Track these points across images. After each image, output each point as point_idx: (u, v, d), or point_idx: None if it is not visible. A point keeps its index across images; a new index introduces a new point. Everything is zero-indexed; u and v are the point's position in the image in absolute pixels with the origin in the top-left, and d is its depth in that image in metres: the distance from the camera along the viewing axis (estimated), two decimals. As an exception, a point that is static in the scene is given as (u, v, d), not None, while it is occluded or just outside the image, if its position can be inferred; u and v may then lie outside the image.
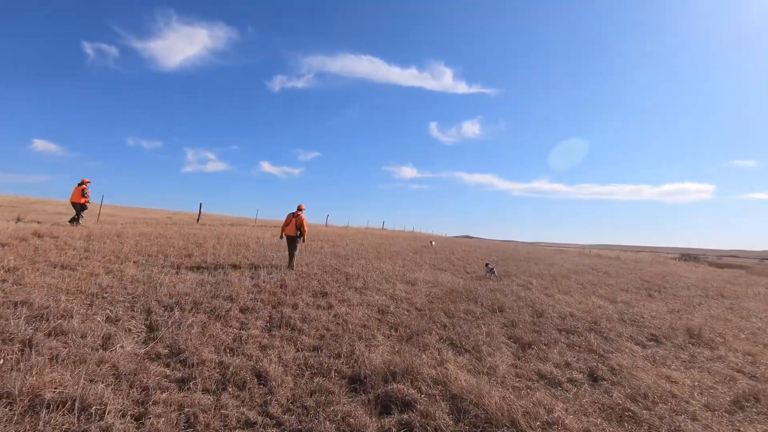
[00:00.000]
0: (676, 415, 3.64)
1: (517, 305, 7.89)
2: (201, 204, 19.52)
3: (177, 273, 7.83)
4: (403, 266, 12.57)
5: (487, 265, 13.43)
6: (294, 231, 9.75)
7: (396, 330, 5.69)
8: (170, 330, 4.72)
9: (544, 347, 5.36)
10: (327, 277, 9.04)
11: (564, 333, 6.18)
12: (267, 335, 5.03)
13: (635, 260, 31.47)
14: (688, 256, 38.86)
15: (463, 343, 5.27)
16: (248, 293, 6.89)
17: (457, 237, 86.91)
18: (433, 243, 23.95)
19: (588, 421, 3.40)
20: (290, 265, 9.65)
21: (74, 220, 13.14)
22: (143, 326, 4.86)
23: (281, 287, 7.65)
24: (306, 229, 9.86)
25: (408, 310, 6.88)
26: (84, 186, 13.45)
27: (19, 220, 12.89)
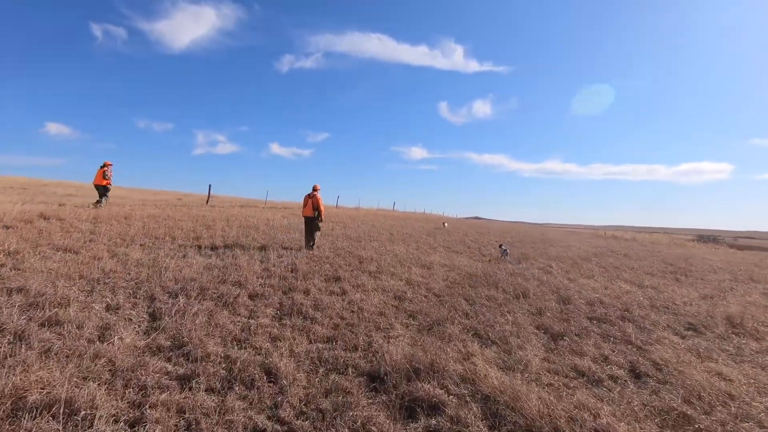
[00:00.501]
0: (740, 421, 3.20)
1: (541, 291, 7.45)
2: (210, 185, 19.25)
3: (184, 257, 7.53)
4: (417, 249, 12.16)
5: (500, 246, 13.11)
6: (311, 212, 9.72)
7: (415, 318, 5.30)
8: (174, 319, 4.40)
9: (576, 338, 4.93)
10: (339, 261, 8.68)
11: (595, 322, 5.73)
12: (277, 324, 4.68)
13: (652, 242, 30.65)
14: (707, 238, 37.77)
15: (489, 333, 4.86)
16: (258, 278, 6.56)
17: (466, 218, 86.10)
18: (446, 224, 23.48)
19: (642, 429, 2.98)
20: (309, 246, 9.66)
21: (98, 203, 13.21)
22: (145, 315, 4.54)
23: (292, 271, 7.31)
24: (323, 209, 9.82)
25: (426, 296, 6.49)
26: (106, 168, 13.53)
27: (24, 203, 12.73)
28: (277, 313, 5.06)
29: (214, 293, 5.43)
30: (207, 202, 19.54)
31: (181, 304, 4.79)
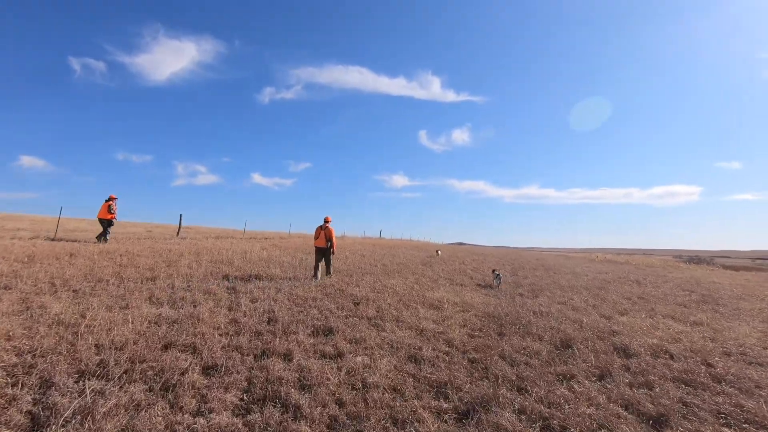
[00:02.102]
0: None
1: (582, 336, 5.93)
2: (181, 216, 17.39)
3: (126, 307, 5.76)
4: (416, 282, 10.57)
5: (494, 271, 12.49)
6: (324, 243, 9.93)
7: (446, 398, 3.67)
8: (66, 430, 2.68)
9: (687, 423, 3.38)
10: (329, 303, 7.01)
11: (684, 387, 4.20)
12: (242, 425, 3.00)
13: (647, 265, 29.78)
14: (698, 259, 37.31)
15: (563, 423, 3.26)
16: (221, 335, 4.85)
17: (450, 244, 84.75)
18: (439, 252, 22.01)
19: None
20: (316, 275, 9.69)
21: (101, 237, 13.10)
22: (20, 420, 2.80)
23: (269, 322, 5.62)
24: (335, 240, 10.10)
25: (448, 354, 4.87)
26: (111, 202, 13.26)
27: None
28: (242, 401, 3.36)
29: (151, 368, 3.71)
30: (177, 233, 17.61)
31: (89, 397, 3.07)
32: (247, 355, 4.34)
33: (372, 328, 5.76)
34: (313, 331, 5.38)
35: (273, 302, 6.70)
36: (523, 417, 3.28)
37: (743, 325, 7.60)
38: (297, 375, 3.89)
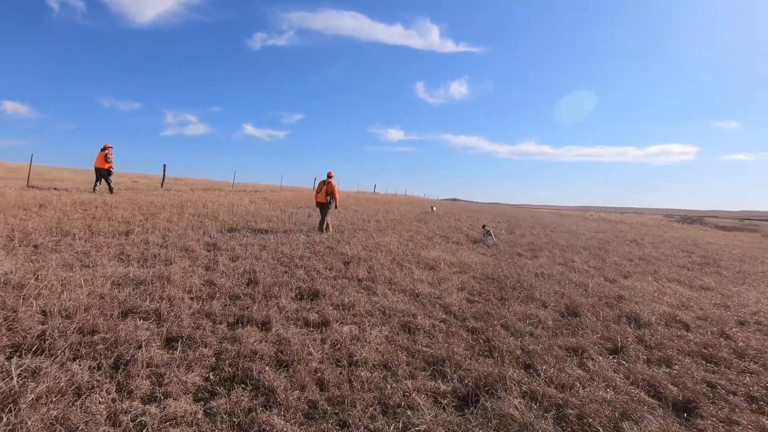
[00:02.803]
0: None
1: (589, 302, 5.52)
2: (165, 166, 16.47)
3: (89, 265, 5.18)
4: (411, 240, 10.09)
5: (483, 227, 12.21)
6: (325, 198, 9.89)
7: (444, 377, 3.21)
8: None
9: (717, 410, 2.95)
10: (317, 263, 6.51)
11: (708, 364, 3.79)
12: (202, 413, 2.52)
13: (642, 224, 29.72)
14: (691, 219, 37.39)
15: (578, 411, 2.82)
16: (192, 300, 4.33)
17: (444, 200, 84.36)
18: (434, 209, 21.51)
19: None
20: (321, 229, 9.76)
21: (96, 188, 13.01)
22: None
23: (249, 284, 5.10)
24: (338, 195, 10.13)
25: (445, 322, 4.42)
26: (107, 151, 12.96)
27: None
28: (206, 382, 2.87)
29: (103, 340, 3.18)
30: (162, 185, 16.80)
31: (15, 380, 2.55)
32: (220, 323, 3.83)
33: (362, 291, 5.27)
34: (297, 295, 4.88)
35: (256, 261, 6.16)
36: (534, 404, 2.83)
37: (751, 291, 7.27)
38: (274, 348, 3.40)
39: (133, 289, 4.46)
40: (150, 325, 3.59)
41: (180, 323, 3.65)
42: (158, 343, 3.28)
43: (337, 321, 4.12)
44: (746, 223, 47.62)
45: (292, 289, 5.03)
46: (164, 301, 4.08)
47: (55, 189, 13.10)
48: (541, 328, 4.43)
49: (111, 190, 13.29)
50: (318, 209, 10.22)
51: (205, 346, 3.31)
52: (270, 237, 8.28)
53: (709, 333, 4.59)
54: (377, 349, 3.55)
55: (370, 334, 3.83)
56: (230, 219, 10.24)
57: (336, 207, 10.18)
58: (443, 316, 4.60)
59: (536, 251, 10.19)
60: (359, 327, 4.01)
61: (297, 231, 9.48)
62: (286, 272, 5.81)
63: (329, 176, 10.12)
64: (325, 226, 9.86)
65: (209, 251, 6.59)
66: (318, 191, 10.08)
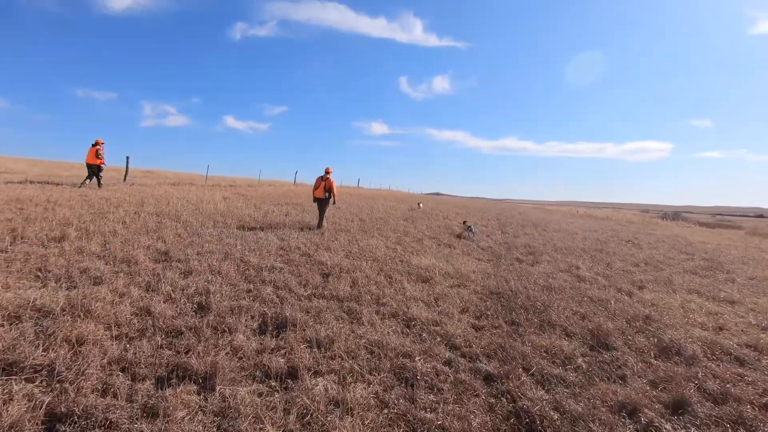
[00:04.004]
0: None
1: (615, 326, 4.62)
2: (128, 158, 14.92)
3: (-15, 287, 3.97)
4: (399, 243, 9.07)
5: (464, 223, 12.45)
6: (322, 194, 9.78)
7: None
8: None
9: None
10: (289, 276, 5.42)
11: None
12: None
13: (628, 221, 29.57)
14: (674, 215, 37.60)
15: None
16: (113, 339, 3.20)
17: (427, 194, 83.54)
18: (421, 205, 20.53)
19: None
20: (320, 225, 9.71)
21: (84, 183, 12.77)
22: None
23: (199, 310, 3.99)
24: (335, 191, 9.97)
25: (450, 364, 3.41)
26: (98, 146, 12.75)
27: None
28: None
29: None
30: (124, 178, 15.28)
31: None
32: (143, 379, 2.73)
33: (344, 317, 4.23)
34: (260, 326, 3.80)
35: (213, 276, 5.03)
36: None
37: (775, 303, 6.55)
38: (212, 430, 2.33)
39: (35, 323, 3.30)
40: (33, 391, 2.46)
41: (79, 387, 2.53)
42: (33, 429, 2.16)
43: (309, 369, 3.07)
44: (718, 218, 48.56)
45: (254, 317, 3.95)
46: (67, 347, 2.95)
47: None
48: (572, 370, 3.48)
49: (100, 185, 12.88)
50: (316, 205, 10.13)
51: None
52: (237, 242, 7.13)
53: (762, 366, 3.74)
54: (363, 421, 2.52)
55: (354, 392, 2.79)
56: (195, 219, 9.01)
57: (334, 203, 10.04)
58: (447, 355, 3.60)
59: (536, 255, 9.32)
60: (339, 379, 2.97)
61: (271, 232, 8.33)
62: (249, 291, 4.70)
63: (327, 172, 9.90)
64: (321, 222, 9.78)
65: (157, 263, 5.42)
66: (316, 187, 9.90)
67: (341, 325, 3.94)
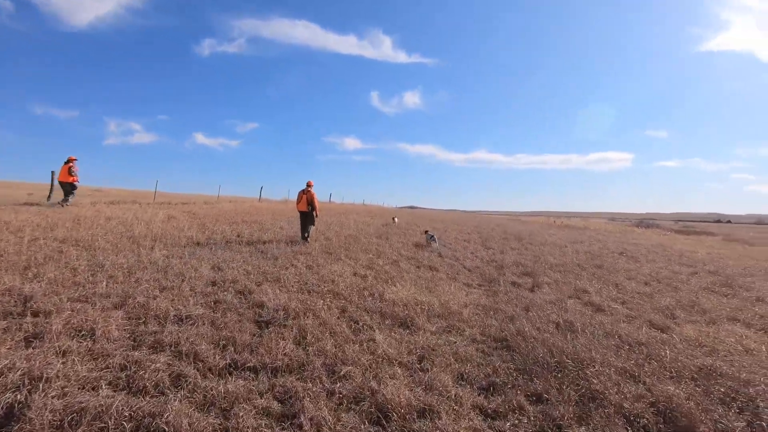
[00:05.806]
0: None
1: (682, 393, 3.15)
2: (53, 172, 12.71)
3: None
4: (370, 267, 7.44)
5: (426, 232, 12.31)
6: (306, 207, 9.73)
7: None
8: None
9: None
10: (207, 330, 3.68)
11: None
12: None
13: (606, 230, 29.05)
14: (649, 223, 37.74)
15: None
16: None
17: (402, 208, 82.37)
18: (396, 219, 18.99)
19: None
20: (304, 238, 9.67)
21: (64, 201, 12.06)
22: None
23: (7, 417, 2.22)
24: (317, 204, 9.95)
25: None
26: (71, 164, 12.25)
27: None
28: None
29: None
30: (48, 198, 13.02)
31: None
32: None
33: (272, 410, 2.56)
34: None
35: (77, 342, 3.25)
36: None
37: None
38: None
39: None
40: None
41: None
42: None
43: None
44: (681, 225, 49.66)
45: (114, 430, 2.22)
46: None
47: None
48: None
49: (64, 203, 11.94)
50: (300, 219, 10.09)
51: None
52: (152, 276, 5.33)
53: None
54: None
55: None
56: (114, 245, 7.11)
57: (317, 215, 10.01)
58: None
59: (533, 276, 7.88)
60: None
61: (207, 261, 6.54)
62: (125, 369, 2.95)
63: (308, 185, 9.90)
64: (306, 235, 9.71)
65: (14, 316, 3.57)
66: (298, 200, 9.97)
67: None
